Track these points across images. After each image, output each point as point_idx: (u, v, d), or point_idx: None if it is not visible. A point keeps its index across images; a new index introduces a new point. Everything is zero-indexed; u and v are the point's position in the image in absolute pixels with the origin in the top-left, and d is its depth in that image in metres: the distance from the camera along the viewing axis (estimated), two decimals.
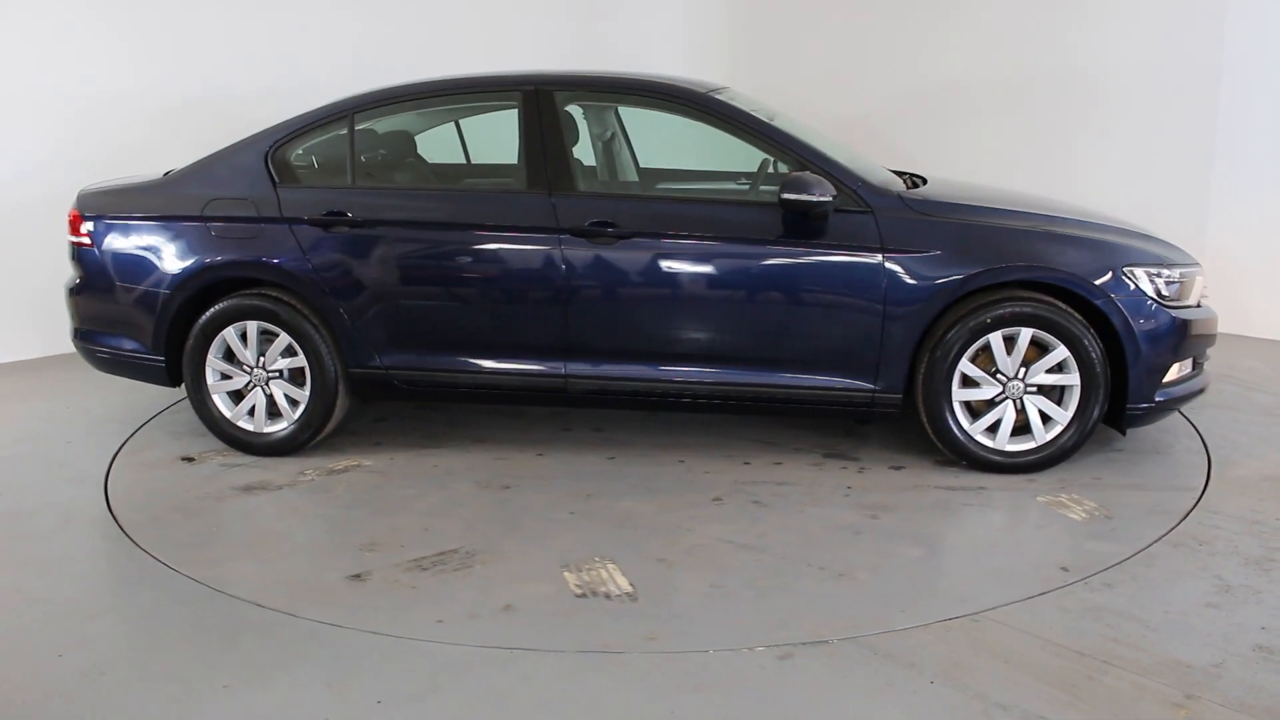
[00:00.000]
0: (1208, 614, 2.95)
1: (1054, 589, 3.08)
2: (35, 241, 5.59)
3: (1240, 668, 2.67)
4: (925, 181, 4.46)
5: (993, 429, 3.94)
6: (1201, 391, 4.13)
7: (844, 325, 3.89)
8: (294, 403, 4.22)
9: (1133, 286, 3.82)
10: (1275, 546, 3.41)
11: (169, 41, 6.03)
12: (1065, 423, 3.88)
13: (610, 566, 3.29)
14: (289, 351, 4.17)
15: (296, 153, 4.23)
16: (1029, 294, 3.84)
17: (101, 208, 4.28)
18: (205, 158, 4.29)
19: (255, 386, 4.22)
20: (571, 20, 7.82)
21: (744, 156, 4.57)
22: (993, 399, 3.92)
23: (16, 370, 5.75)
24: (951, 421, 3.93)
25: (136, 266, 4.21)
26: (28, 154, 5.72)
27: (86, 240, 4.27)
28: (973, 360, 3.89)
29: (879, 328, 3.86)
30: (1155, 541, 3.39)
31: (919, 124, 7.29)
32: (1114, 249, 3.89)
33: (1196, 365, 4.11)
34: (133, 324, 4.25)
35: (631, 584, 3.18)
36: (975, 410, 3.96)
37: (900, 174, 4.63)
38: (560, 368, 4.06)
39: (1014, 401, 3.91)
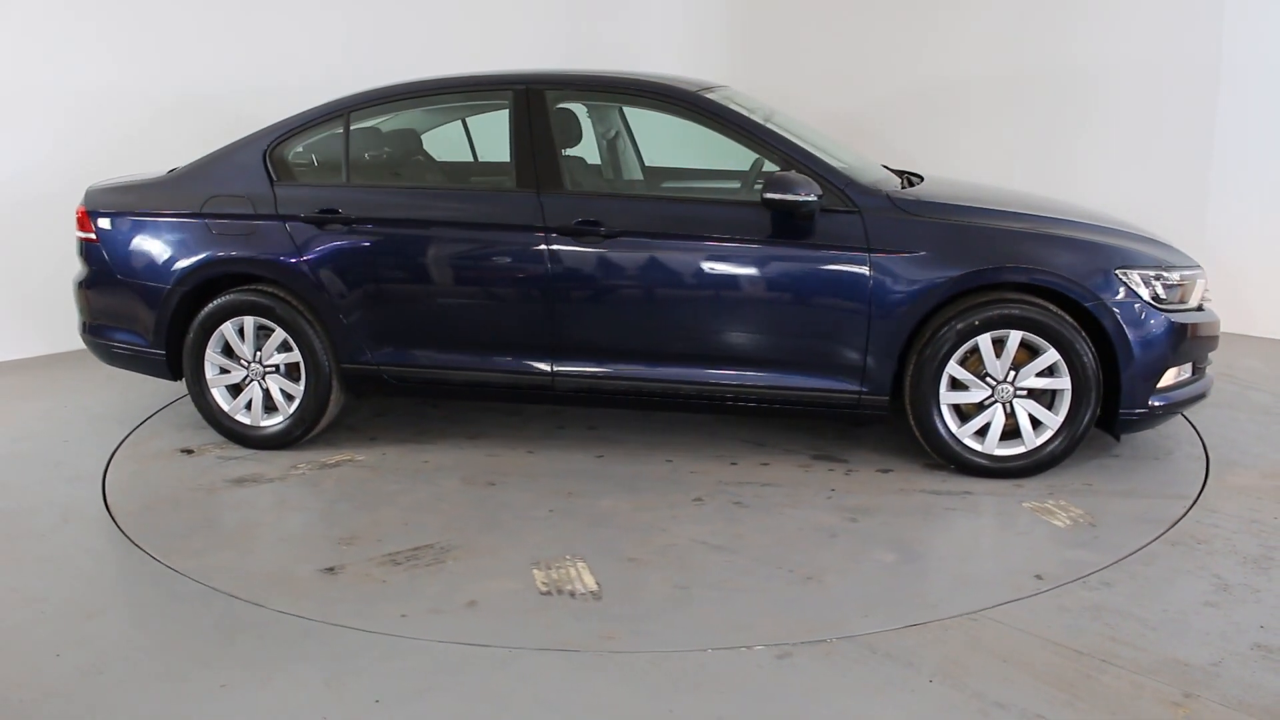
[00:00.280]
0: (1206, 613, 2.94)
1: (1025, 596, 3.04)
2: (33, 241, 5.66)
3: (1239, 666, 2.66)
4: (922, 180, 4.41)
5: (982, 433, 3.88)
6: (1202, 397, 4.03)
7: (830, 326, 3.86)
8: (290, 397, 4.29)
9: (1126, 289, 3.73)
10: (1274, 545, 3.39)
11: (168, 41, 6.05)
12: (1056, 427, 3.81)
13: (580, 565, 3.30)
14: (284, 347, 4.24)
15: (294, 151, 4.30)
16: (1019, 296, 3.78)
17: (107, 204, 4.39)
18: (207, 155, 4.38)
19: (252, 381, 4.30)
20: (570, 20, 7.84)
21: (749, 156, 4.55)
22: (982, 402, 3.86)
23: (15, 369, 5.75)
24: (940, 424, 3.87)
25: (139, 262, 4.31)
26: (25, 153, 5.73)
27: (92, 236, 4.38)
28: (962, 363, 3.84)
29: (865, 329, 3.82)
30: (1133, 553, 3.31)
31: (919, 122, 7.27)
32: (1107, 250, 3.80)
33: (1197, 370, 4.00)
34: (135, 318, 4.35)
35: (598, 583, 3.18)
36: (965, 414, 3.90)
37: (899, 173, 4.58)
38: (547, 366, 4.08)
39: (1003, 405, 3.84)
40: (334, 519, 3.73)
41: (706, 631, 2.88)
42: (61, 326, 5.72)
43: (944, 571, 3.24)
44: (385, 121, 4.43)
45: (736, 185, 5.10)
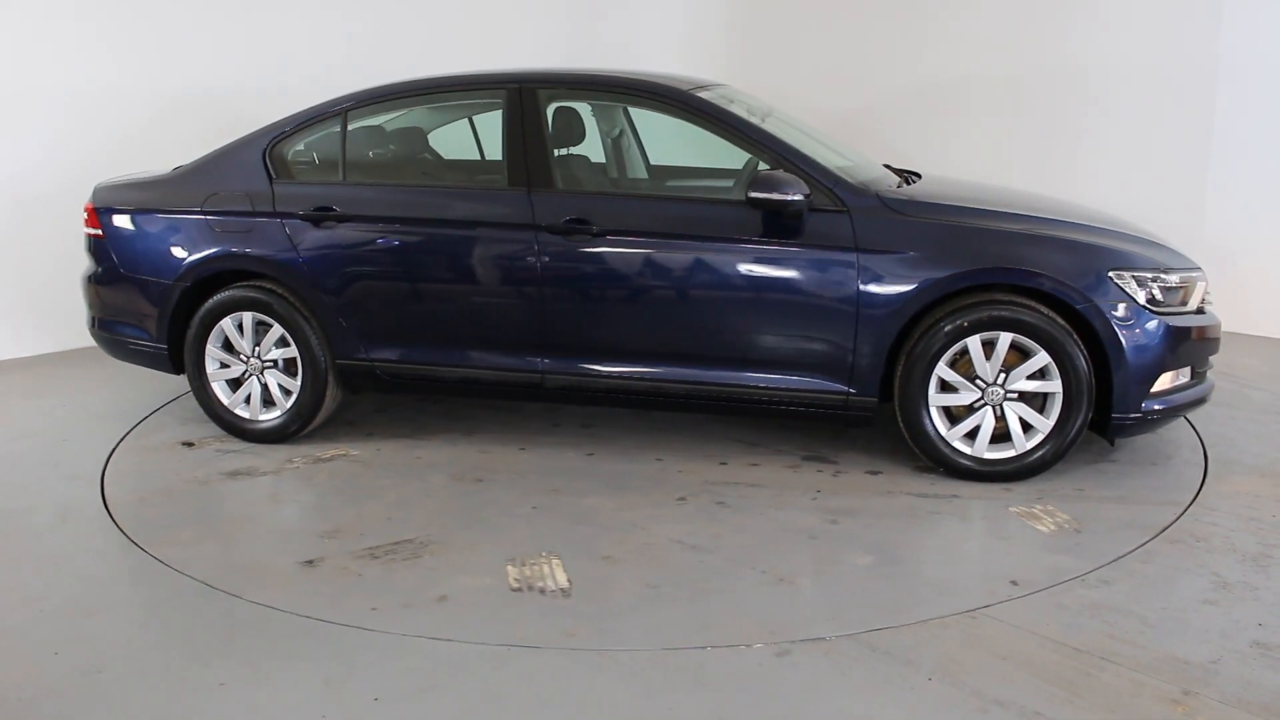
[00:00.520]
0: (1205, 610, 2.94)
1: (998, 602, 2.99)
2: (33, 240, 5.72)
3: (1238, 664, 2.66)
4: (920, 179, 4.36)
5: (972, 435, 3.83)
6: (1201, 401, 3.95)
7: (817, 326, 3.83)
8: (287, 392, 4.35)
9: (1118, 291, 3.66)
10: (1272, 543, 3.37)
11: (170, 41, 6.07)
12: (1047, 431, 3.75)
13: (554, 562, 3.32)
14: (282, 342, 4.31)
15: (293, 149, 4.36)
16: (1010, 298, 3.72)
17: (114, 201, 4.48)
18: (210, 153, 4.46)
19: (251, 376, 4.37)
20: (570, 19, 7.85)
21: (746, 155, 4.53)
22: (972, 405, 3.81)
23: (15, 367, 5.75)
24: (929, 427, 3.83)
25: (143, 258, 4.40)
26: (25, 153, 5.75)
27: (99, 232, 4.48)
28: (952, 365, 3.79)
29: (852, 329, 3.79)
30: (1113, 560, 3.26)
31: (918, 122, 7.26)
32: (1099, 252, 3.73)
33: (1196, 374, 3.92)
34: (140, 313, 4.44)
35: (569, 580, 3.19)
36: (956, 416, 3.86)
37: (899, 172, 4.54)
38: (537, 363, 4.09)
39: (993, 408, 3.79)
40: (320, 512, 3.78)
41: (668, 631, 2.88)
42: (62, 325, 5.87)
43: (918, 576, 3.20)
44: (381, 121, 4.47)
45: (731, 184, 5.09)
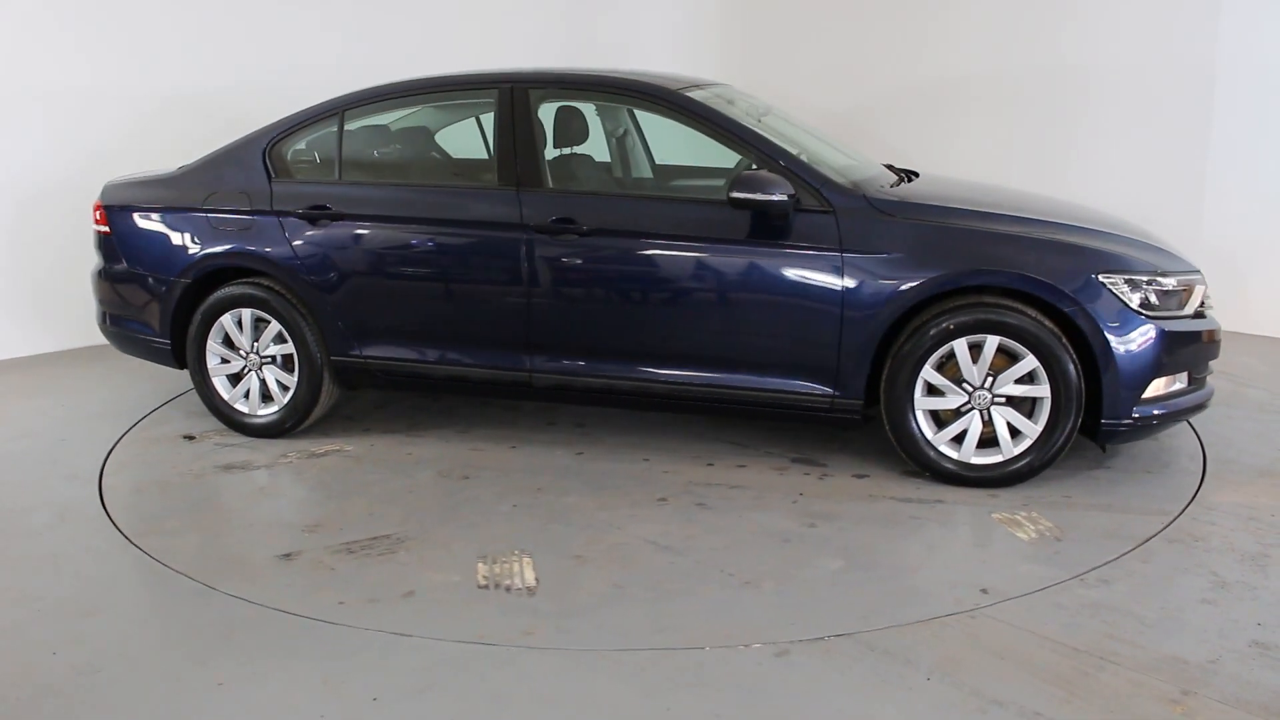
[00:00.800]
0: (1204, 610, 2.94)
1: (964, 610, 2.94)
2: (33, 239, 5.80)
3: (1236, 664, 2.66)
4: (917, 178, 4.30)
5: (959, 439, 3.77)
6: (1199, 408, 3.85)
7: (802, 327, 3.80)
8: (285, 388, 4.42)
9: (1106, 294, 3.58)
10: (1270, 543, 3.35)
11: (169, 40, 6.10)
12: (1035, 437, 3.68)
13: (525, 560, 3.33)
14: (280, 339, 4.38)
15: (291, 149, 4.43)
16: (998, 300, 3.65)
17: (121, 199, 4.59)
18: (213, 152, 4.54)
19: (250, 371, 4.45)
20: (568, 19, 7.85)
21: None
22: (959, 409, 3.75)
23: (14, 367, 5.76)
24: (915, 430, 3.78)
25: (147, 254, 4.50)
26: (25, 153, 5.76)
27: (107, 229, 4.59)
28: (940, 368, 3.73)
29: (837, 330, 3.75)
30: (1089, 571, 3.18)
31: (916, 121, 7.21)
32: (1088, 254, 3.65)
33: (1195, 380, 3.81)
34: (145, 308, 4.54)
35: (537, 578, 3.21)
36: (944, 420, 3.80)
37: (898, 171, 4.48)
38: (524, 362, 4.11)
39: (981, 412, 3.73)
40: (306, 506, 3.84)
41: (625, 632, 2.88)
42: (61, 324, 5.95)
43: (886, 581, 3.16)
44: (377, 121, 4.52)
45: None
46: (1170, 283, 3.70)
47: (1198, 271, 3.85)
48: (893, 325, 3.73)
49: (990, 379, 3.69)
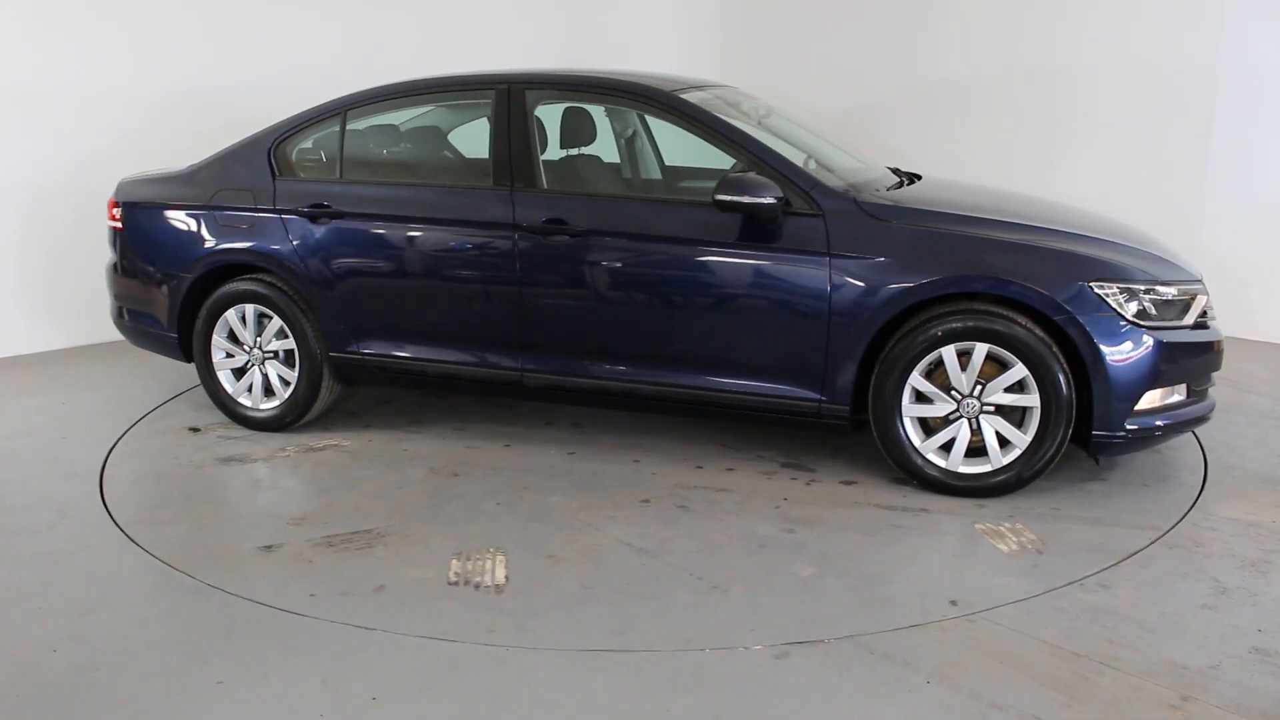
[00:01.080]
0: (1204, 616, 2.93)
1: (932, 621, 2.90)
2: (33, 239, 5.85)
3: (1236, 669, 2.66)
4: (919, 181, 4.25)
5: (947, 448, 3.71)
6: (1199, 421, 3.75)
7: (789, 331, 3.77)
8: (287, 383, 4.49)
9: (1099, 302, 3.49)
10: (1271, 549, 3.33)
11: (171, 40, 6.14)
12: (1024, 447, 3.61)
13: (499, 558, 3.35)
14: (281, 334, 4.45)
15: (295, 148, 4.50)
16: (987, 307, 3.59)
17: (132, 195, 4.70)
18: (221, 150, 4.63)
19: (253, 366, 4.53)
20: (568, 20, 7.85)
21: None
22: (947, 416, 3.69)
23: (14, 365, 5.76)
24: (902, 437, 3.73)
25: (156, 250, 4.60)
26: (25, 153, 5.78)
27: (120, 225, 4.70)
28: (929, 375, 3.68)
29: (824, 334, 3.72)
30: (1070, 584, 3.12)
31: (917, 122, 7.14)
32: (1080, 261, 3.57)
33: (1193, 392, 3.71)
34: (154, 302, 4.64)
35: (507, 576, 3.22)
36: (932, 427, 3.74)
37: (900, 174, 4.43)
38: (516, 362, 4.13)
39: (969, 421, 3.67)
40: (295, 499, 3.90)
41: (586, 633, 2.88)
42: (61, 323, 6.04)
43: (856, 590, 3.12)
44: (379, 121, 4.57)
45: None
46: (1170, 292, 3.61)
47: (1199, 281, 3.75)
48: (881, 330, 3.69)
49: (979, 387, 3.63)
